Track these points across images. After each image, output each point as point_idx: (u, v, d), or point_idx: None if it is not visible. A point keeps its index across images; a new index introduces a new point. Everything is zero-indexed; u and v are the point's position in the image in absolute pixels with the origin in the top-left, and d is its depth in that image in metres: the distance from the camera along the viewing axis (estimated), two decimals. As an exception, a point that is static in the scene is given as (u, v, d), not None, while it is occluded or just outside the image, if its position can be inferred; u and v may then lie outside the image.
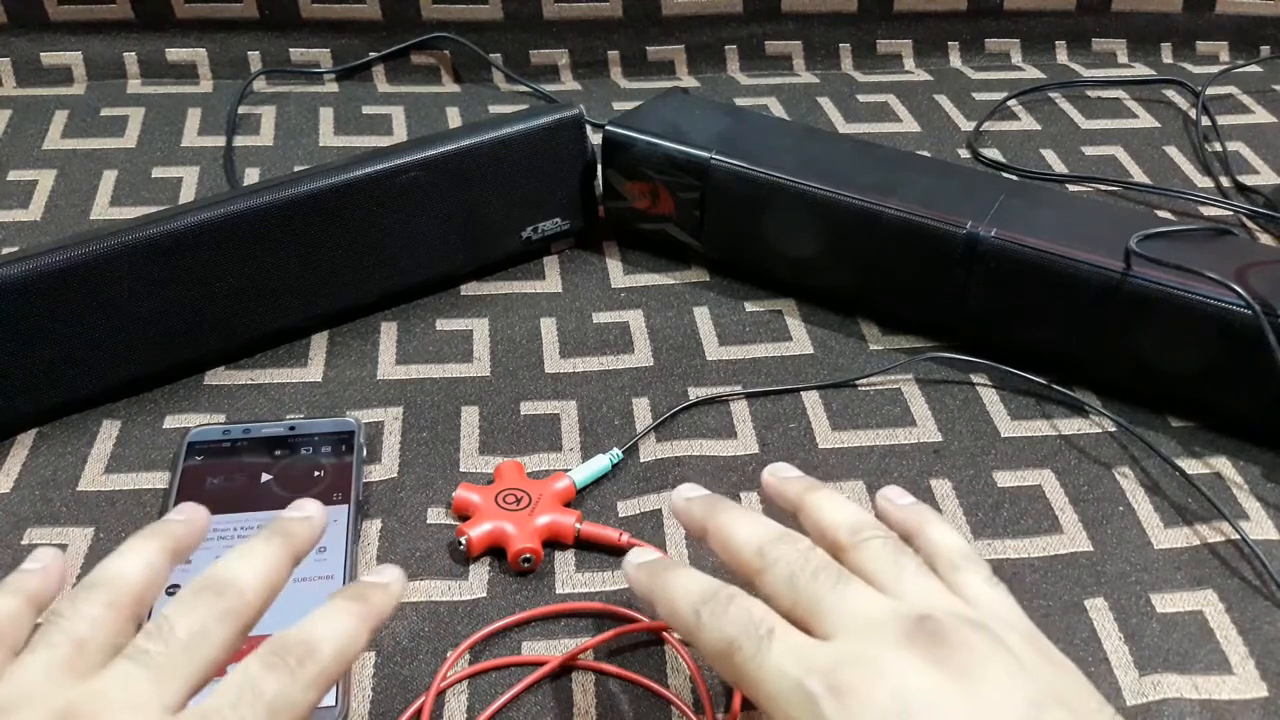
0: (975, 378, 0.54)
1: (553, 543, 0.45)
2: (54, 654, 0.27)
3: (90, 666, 0.28)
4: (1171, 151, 0.74)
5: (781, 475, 0.38)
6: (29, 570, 0.31)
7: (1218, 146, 0.75)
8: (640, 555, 0.35)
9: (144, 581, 0.30)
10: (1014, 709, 0.28)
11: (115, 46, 0.76)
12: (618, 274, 0.61)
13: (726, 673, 0.31)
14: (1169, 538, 0.46)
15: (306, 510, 0.34)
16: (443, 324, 0.56)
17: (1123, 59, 0.86)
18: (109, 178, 0.66)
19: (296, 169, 0.66)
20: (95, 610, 0.29)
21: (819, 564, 0.32)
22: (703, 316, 0.58)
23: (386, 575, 0.33)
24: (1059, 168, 0.72)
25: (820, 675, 0.28)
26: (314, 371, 0.53)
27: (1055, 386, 0.53)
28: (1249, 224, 0.67)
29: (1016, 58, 0.86)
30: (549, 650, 0.41)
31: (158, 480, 0.47)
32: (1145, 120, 0.78)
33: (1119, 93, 0.82)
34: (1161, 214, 0.67)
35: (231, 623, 0.29)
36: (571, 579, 0.43)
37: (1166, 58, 0.87)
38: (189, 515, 0.33)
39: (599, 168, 0.60)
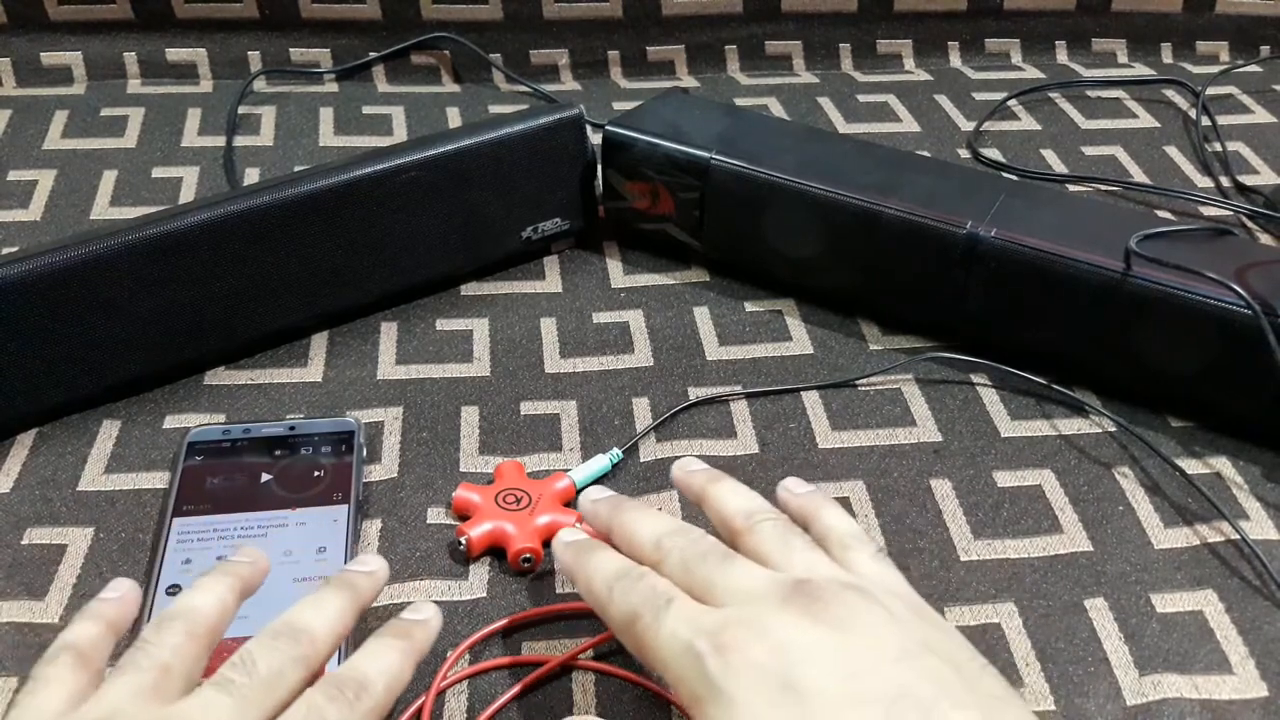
0: (975, 378, 0.54)
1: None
2: (141, 678, 0.30)
3: (172, 692, 0.30)
4: (1171, 151, 0.74)
5: (688, 469, 0.41)
6: (107, 599, 0.34)
7: (1218, 146, 0.75)
8: (570, 535, 0.39)
9: (217, 615, 0.33)
10: (886, 655, 0.30)
11: (115, 46, 0.76)
12: (618, 274, 0.61)
13: (630, 643, 0.33)
14: (1169, 538, 0.46)
15: (370, 565, 0.37)
16: (443, 324, 0.56)
17: (1123, 59, 0.86)
18: (109, 178, 0.66)
19: (296, 169, 0.66)
20: (177, 639, 0.32)
21: (708, 548, 0.35)
22: (703, 316, 0.58)
23: (425, 611, 0.36)
24: (1059, 168, 0.72)
25: (707, 636, 0.31)
26: (314, 371, 0.53)
27: (1055, 386, 0.53)
28: (1249, 224, 0.67)
29: (1016, 58, 0.86)
30: (549, 650, 0.41)
31: (158, 480, 0.47)
32: (1145, 120, 0.78)
33: (1119, 93, 0.82)
34: (1161, 214, 0.67)
35: (304, 667, 0.32)
36: (571, 579, 0.43)
37: (1166, 58, 0.87)
38: (254, 558, 0.36)
39: (599, 168, 0.60)
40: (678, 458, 0.48)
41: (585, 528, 0.44)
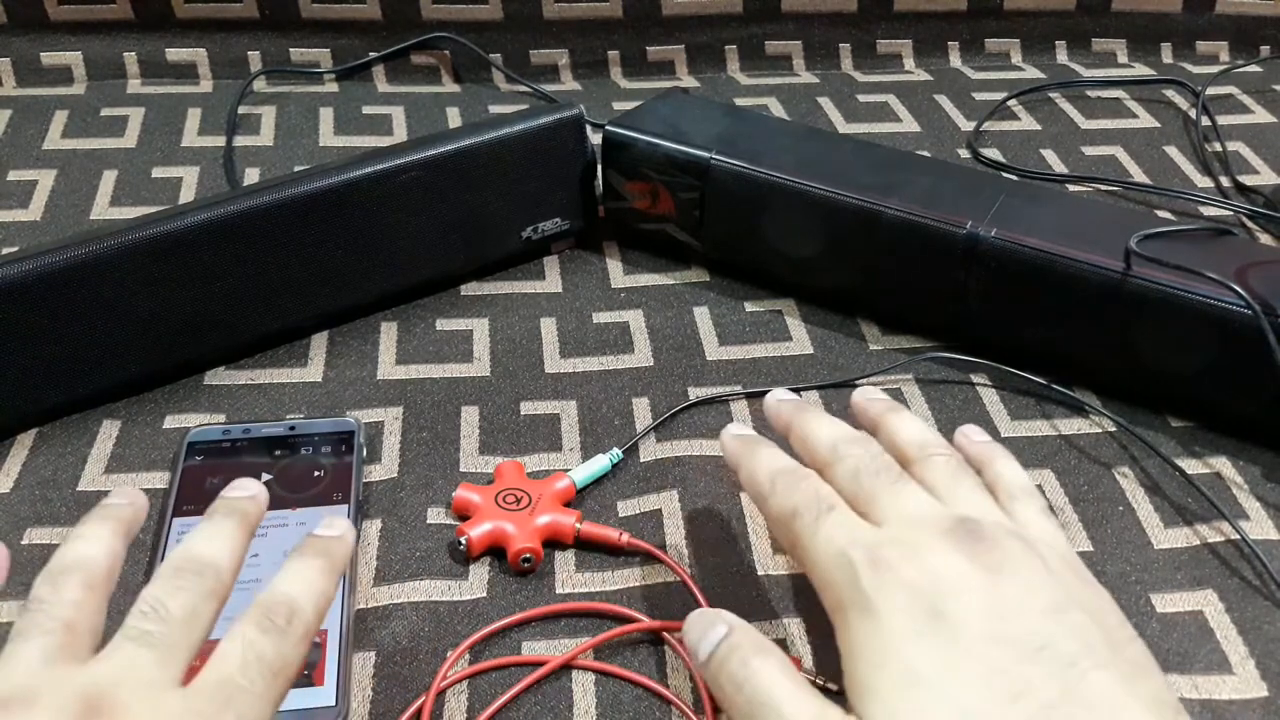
0: (975, 378, 0.54)
1: (553, 543, 0.45)
2: (47, 641, 0.28)
3: (82, 650, 0.28)
4: (1171, 151, 0.74)
5: (869, 397, 0.41)
6: (117, 504, 0.34)
7: (1218, 146, 0.75)
8: (739, 427, 0.40)
9: (110, 563, 0.31)
10: (1036, 604, 0.30)
11: (115, 46, 0.76)
12: (618, 274, 0.61)
13: (784, 538, 0.34)
14: (1169, 538, 0.46)
15: (249, 489, 0.35)
16: (443, 324, 0.56)
17: (1123, 59, 0.86)
18: (109, 178, 0.66)
19: (296, 169, 0.66)
20: (76, 594, 0.29)
21: (883, 465, 0.35)
22: (703, 316, 0.58)
23: (338, 527, 0.35)
24: (1059, 168, 0.72)
25: (863, 548, 0.31)
26: (314, 371, 0.53)
27: (1055, 386, 0.53)
28: (1249, 224, 0.67)
29: (1016, 58, 0.86)
30: (549, 650, 0.41)
31: (158, 480, 0.47)
32: (1145, 120, 0.78)
33: (1119, 93, 0.82)
34: (1161, 214, 0.67)
35: (216, 600, 0.31)
36: (571, 579, 0.43)
37: (1166, 58, 0.87)
38: (130, 498, 0.34)
39: (599, 168, 0.60)
40: (678, 458, 0.48)
41: (587, 527, 0.44)
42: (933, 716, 0.27)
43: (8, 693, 0.27)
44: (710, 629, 0.33)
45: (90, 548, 0.31)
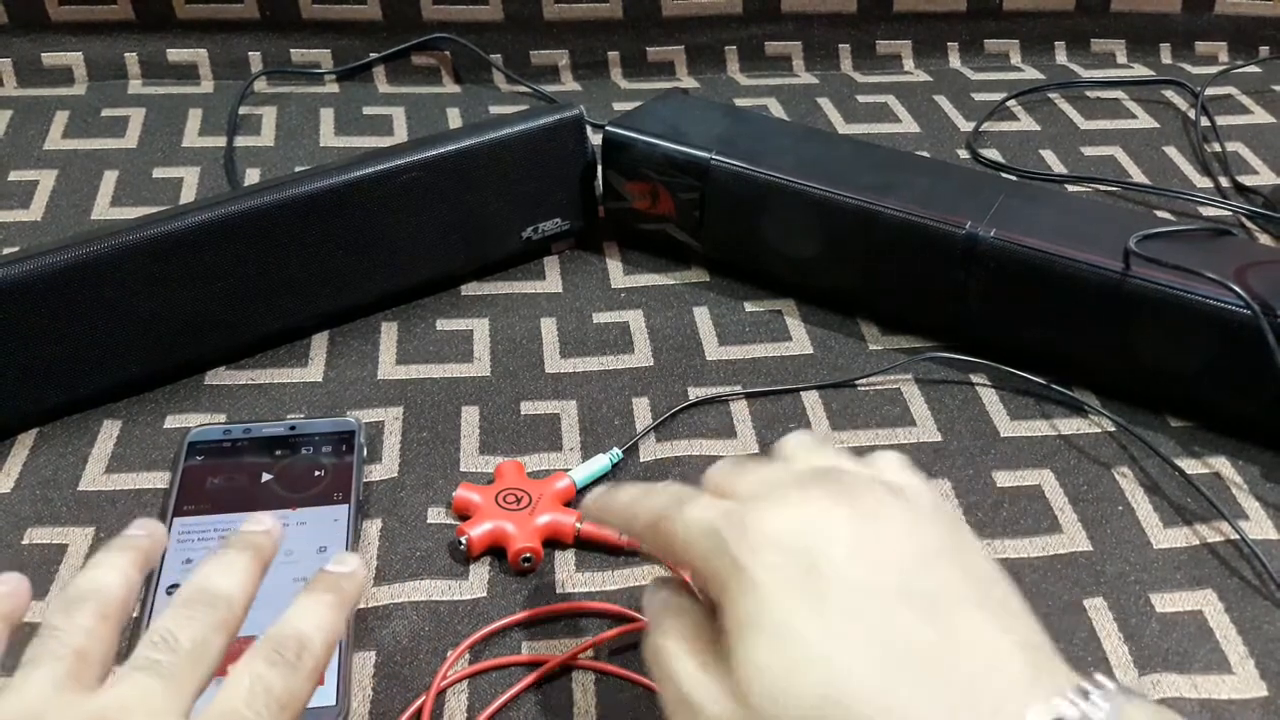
0: (975, 378, 0.54)
1: (553, 542, 0.45)
2: (57, 667, 0.28)
3: (91, 678, 0.29)
4: (1171, 152, 0.74)
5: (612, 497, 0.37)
6: (135, 536, 0.33)
7: (1217, 147, 0.75)
8: (592, 495, 0.37)
9: (125, 593, 0.31)
10: (908, 551, 0.29)
11: (116, 47, 0.76)
12: (618, 274, 0.61)
13: (657, 546, 0.32)
14: (1168, 538, 0.46)
15: (264, 524, 0.35)
16: (443, 324, 0.56)
17: (1122, 59, 0.86)
18: (109, 178, 0.66)
19: (297, 169, 0.66)
20: (89, 622, 0.30)
21: (729, 463, 0.34)
22: (703, 316, 0.58)
23: (350, 563, 0.34)
24: (1058, 168, 0.72)
25: (726, 516, 0.30)
26: (314, 371, 0.53)
27: (1055, 386, 0.53)
28: (1248, 224, 0.67)
29: (1016, 58, 0.86)
30: (549, 650, 0.41)
31: (158, 480, 0.47)
32: (1144, 120, 0.78)
33: (1118, 93, 0.82)
34: (1161, 214, 0.67)
35: (225, 633, 0.30)
36: (571, 579, 0.43)
37: (1165, 58, 0.87)
38: (150, 530, 0.34)
39: (599, 168, 0.60)
40: (678, 457, 0.48)
41: (587, 527, 0.44)
42: (806, 673, 0.26)
43: (16, 717, 0.27)
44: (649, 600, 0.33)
45: (107, 576, 0.31)
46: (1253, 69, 0.86)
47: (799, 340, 0.56)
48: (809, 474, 0.31)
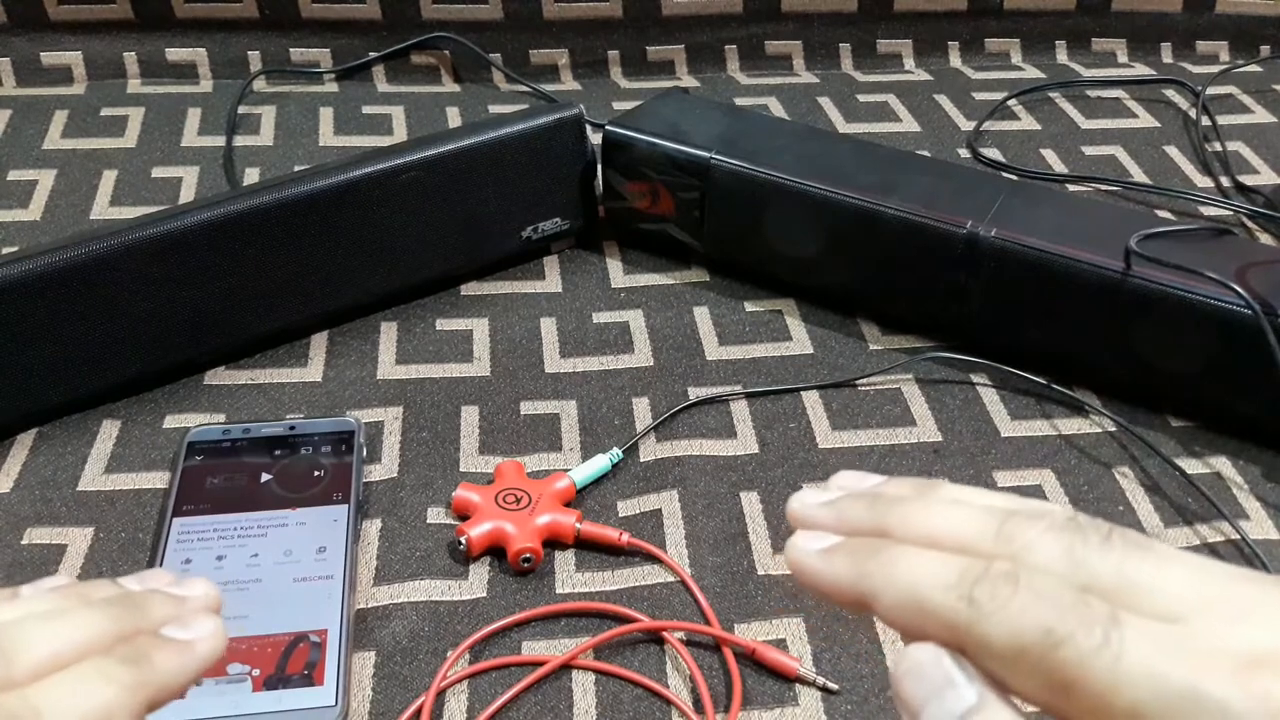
0: (975, 378, 0.54)
1: (553, 542, 0.45)
2: None
3: None
4: (1171, 151, 0.74)
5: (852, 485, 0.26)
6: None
7: (1218, 146, 0.75)
8: (815, 540, 0.24)
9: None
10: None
11: (115, 46, 0.76)
12: (618, 274, 0.60)
13: (1036, 674, 0.21)
14: (1169, 538, 0.46)
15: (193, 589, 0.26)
16: (443, 324, 0.56)
17: (1123, 59, 0.86)
18: (109, 178, 0.66)
19: (296, 169, 0.66)
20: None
21: (1096, 531, 0.23)
22: (703, 316, 0.58)
23: (197, 630, 0.25)
24: (1059, 168, 0.72)
25: (1227, 681, 0.19)
26: (314, 371, 0.53)
27: (1055, 386, 0.53)
28: (1249, 224, 0.67)
29: (1016, 58, 0.86)
30: (549, 650, 0.41)
31: (158, 480, 0.47)
32: (1145, 120, 0.78)
33: (1119, 93, 0.82)
34: (1161, 214, 0.67)
35: None
36: (571, 579, 0.43)
37: (1166, 58, 0.87)
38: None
39: (599, 168, 0.60)
40: (678, 458, 0.48)
41: (587, 527, 0.44)
42: None
43: None
44: (948, 691, 0.21)
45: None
46: (1254, 68, 0.86)
47: (799, 340, 0.56)
48: (1241, 575, 0.21)
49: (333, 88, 0.77)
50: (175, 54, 0.77)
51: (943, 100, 0.79)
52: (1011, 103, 0.79)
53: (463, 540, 0.43)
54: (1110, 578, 0.21)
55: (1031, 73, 0.84)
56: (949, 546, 0.23)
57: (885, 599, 0.23)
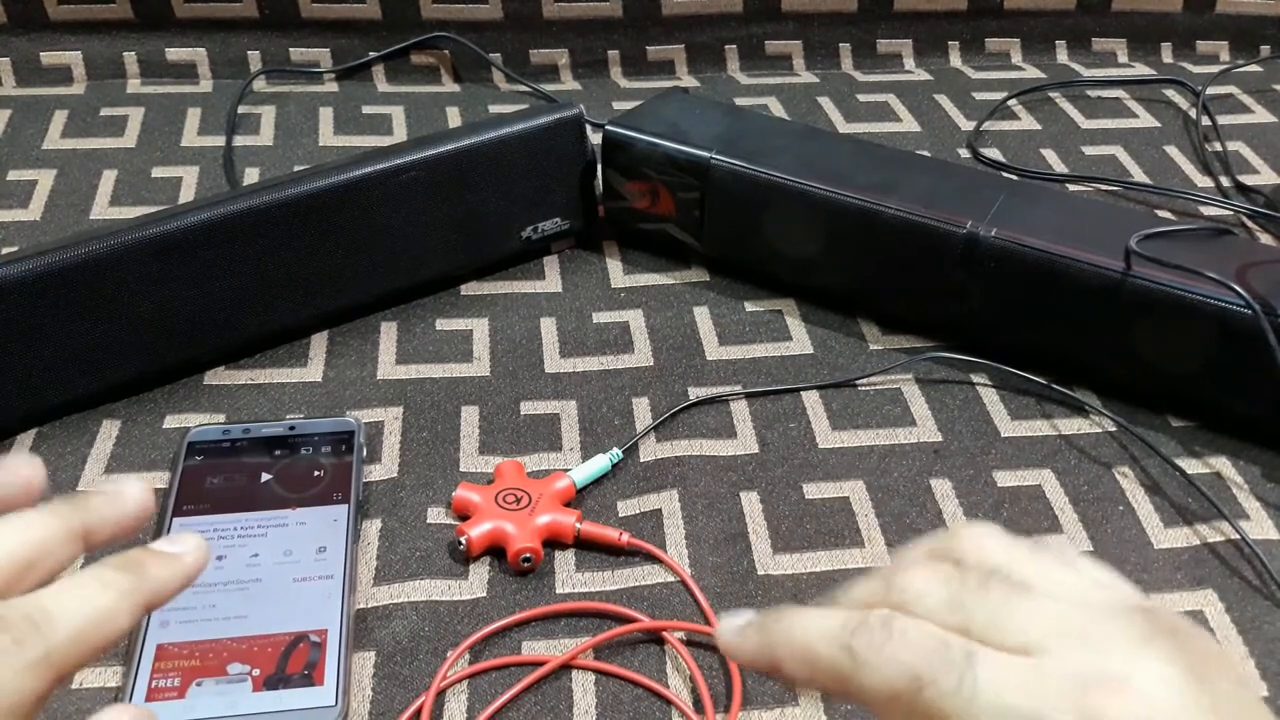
0: (975, 378, 0.54)
1: (553, 542, 0.45)
2: None
3: None
4: (1171, 151, 0.74)
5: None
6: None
7: (1218, 146, 0.75)
8: (732, 618, 0.27)
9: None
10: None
11: (115, 46, 0.76)
12: (618, 274, 0.60)
13: (911, 716, 0.23)
14: (1169, 538, 0.46)
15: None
16: (443, 324, 0.56)
17: (1123, 59, 0.86)
18: (109, 177, 0.66)
19: (296, 169, 0.66)
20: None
21: (976, 571, 0.25)
22: (703, 316, 0.58)
23: (182, 544, 0.27)
24: (1059, 168, 0.72)
25: (1063, 705, 0.21)
26: (314, 371, 0.53)
27: (1055, 386, 0.53)
28: (1249, 224, 0.67)
29: (1016, 57, 0.86)
30: (549, 650, 0.41)
31: (158, 480, 0.47)
32: (1145, 120, 0.78)
33: (1119, 92, 0.82)
34: (1161, 214, 0.67)
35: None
36: (571, 579, 0.43)
37: (1166, 58, 0.87)
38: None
39: (599, 168, 0.60)
40: (678, 458, 0.48)
41: (587, 527, 0.44)
42: None
43: None
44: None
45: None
46: (1254, 68, 0.86)
47: (799, 340, 0.56)
48: (1130, 616, 0.23)
49: (333, 88, 0.77)
50: (175, 54, 0.77)
51: (943, 100, 0.79)
52: (1011, 103, 0.79)
53: (463, 540, 0.43)
54: (984, 617, 0.23)
55: (1031, 73, 0.84)
56: (843, 604, 0.26)
57: (785, 661, 0.25)
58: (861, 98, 0.79)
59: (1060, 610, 0.23)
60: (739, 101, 0.78)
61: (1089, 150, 0.74)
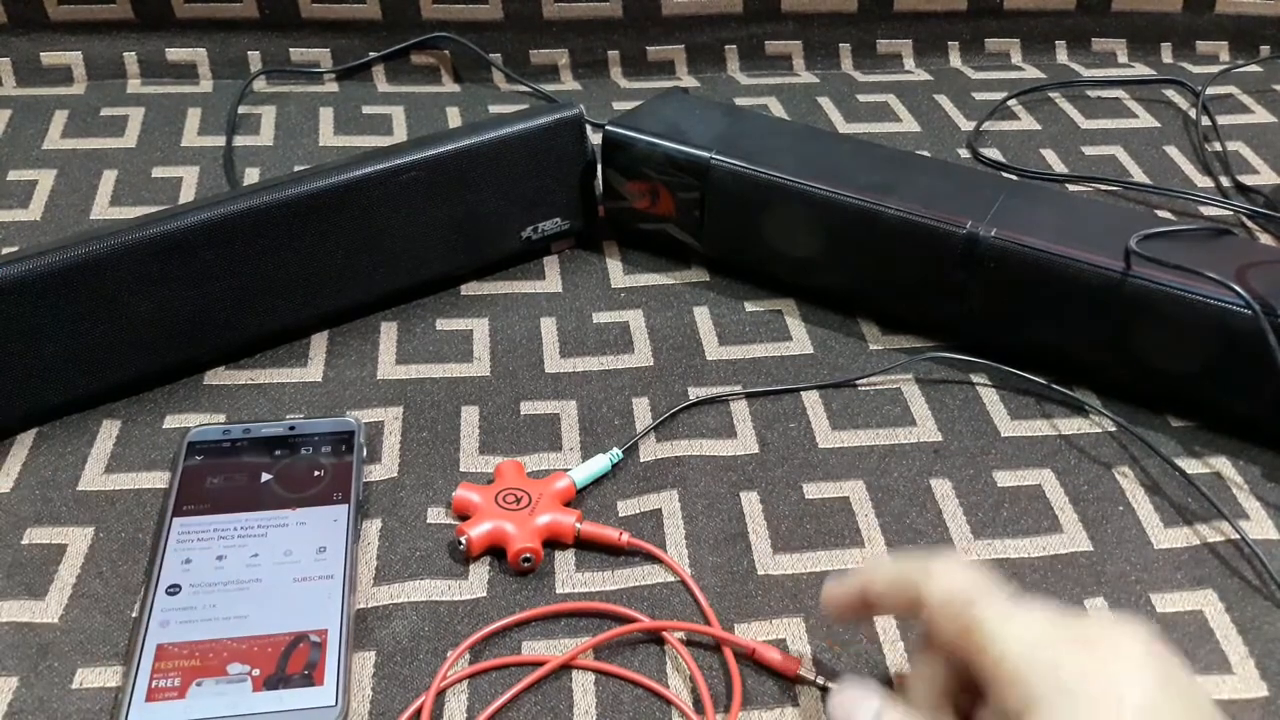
0: (975, 378, 0.54)
1: (553, 542, 0.45)
2: None
3: None
4: (1171, 151, 0.74)
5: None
6: None
7: (1218, 146, 0.75)
8: (834, 579, 0.37)
9: None
10: None
11: (115, 46, 0.76)
12: (618, 274, 0.60)
13: (954, 621, 0.33)
14: (1169, 538, 0.46)
15: None
16: (443, 324, 0.56)
17: (1123, 59, 0.86)
18: (109, 178, 0.66)
19: (296, 169, 0.66)
20: None
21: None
22: (703, 316, 0.58)
23: None
24: (1059, 168, 0.72)
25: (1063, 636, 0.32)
26: (314, 371, 0.53)
27: (1055, 386, 0.53)
28: (1249, 224, 0.67)
29: (1016, 58, 0.86)
30: (549, 650, 0.41)
31: (158, 480, 0.47)
32: (1145, 120, 0.78)
33: (1119, 93, 0.82)
34: (1161, 214, 0.67)
35: None
36: (571, 579, 0.43)
37: (1166, 58, 0.87)
38: None
39: (599, 168, 0.60)
40: (678, 458, 0.48)
41: (587, 527, 0.44)
42: None
43: None
44: (860, 705, 0.33)
45: None
46: (1254, 68, 0.86)
47: (799, 340, 0.56)
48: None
49: (333, 88, 0.77)
50: (175, 54, 0.77)
51: (943, 100, 0.79)
52: (1011, 103, 0.79)
53: (463, 540, 0.43)
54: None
55: (1031, 73, 0.84)
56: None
57: (877, 582, 0.36)
58: (861, 98, 0.79)
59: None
60: (739, 101, 0.78)
61: (1089, 150, 0.74)
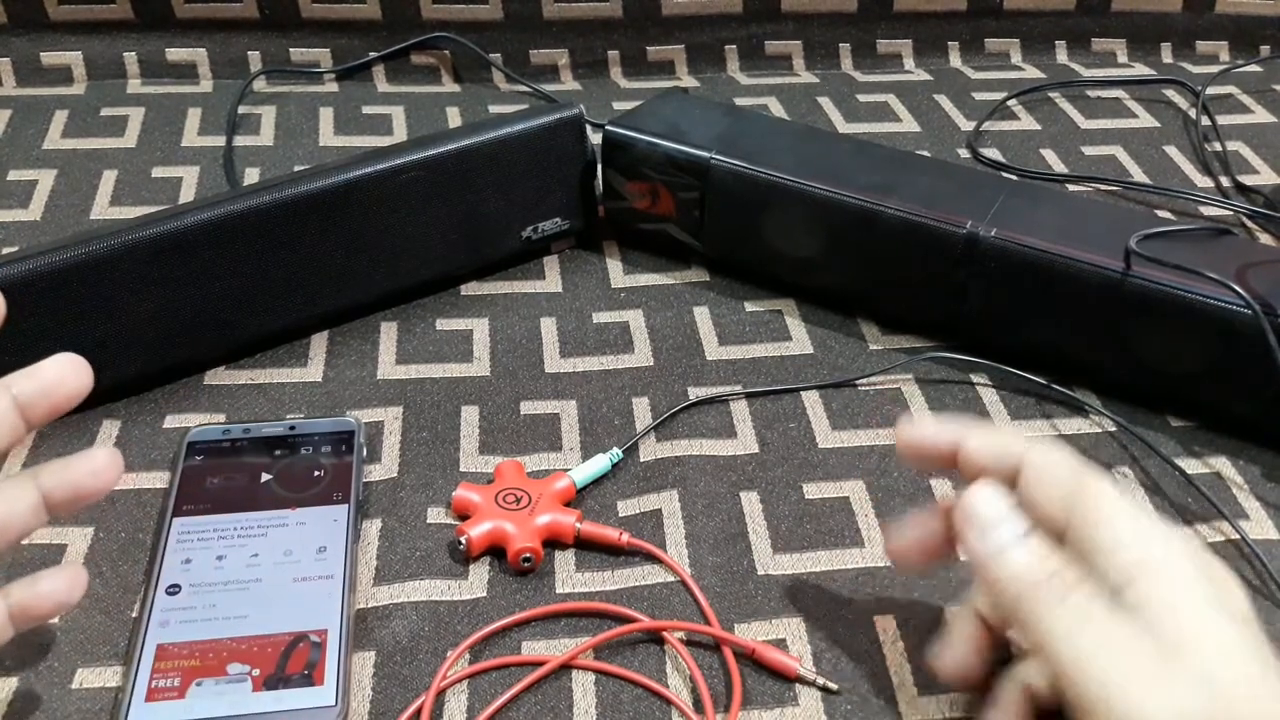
0: (975, 378, 0.54)
1: (553, 542, 0.45)
2: None
3: None
4: (1171, 151, 0.74)
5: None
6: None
7: (1218, 146, 0.75)
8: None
9: None
10: None
11: (115, 46, 0.76)
12: (618, 274, 0.60)
13: (1060, 486, 0.34)
14: (1169, 538, 0.46)
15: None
16: (443, 324, 0.56)
17: (1123, 59, 0.86)
18: (109, 178, 0.66)
19: (296, 169, 0.66)
20: None
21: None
22: (703, 316, 0.58)
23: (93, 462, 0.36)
24: (1059, 168, 0.72)
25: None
26: (314, 371, 0.53)
27: (1055, 386, 0.53)
28: (1249, 224, 0.67)
29: (1016, 58, 0.86)
30: (549, 650, 0.41)
31: (158, 480, 0.47)
32: (1145, 120, 0.78)
33: (1119, 93, 0.82)
34: (1161, 214, 0.67)
35: None
36: (571, 579, 0.43)
37: (1166, 58, 0.87)
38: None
39: (599, 168, 0.60)
40: (678, 457, 0.48)
41: (587, 527, 0.44)
42: None
43: None
44: (1007, 521, 0.34)
45: None
46: (1254, 68, 0.86)
47: (799, 340, 0.56)
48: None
49: (333, 88, 0.77)
50: (175, 54, 0.77)
51: (943, 100, 0.79)
52: (1011, 103, 0.79)
53: (463, 540, 0.43)
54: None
55: (1031, 73, 0.84)
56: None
57: (974, 438, 0.36)
58: (861, 98, 0.79)
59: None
60: (739, 101, 0.78)
61: (1089, 150, 0.74)
